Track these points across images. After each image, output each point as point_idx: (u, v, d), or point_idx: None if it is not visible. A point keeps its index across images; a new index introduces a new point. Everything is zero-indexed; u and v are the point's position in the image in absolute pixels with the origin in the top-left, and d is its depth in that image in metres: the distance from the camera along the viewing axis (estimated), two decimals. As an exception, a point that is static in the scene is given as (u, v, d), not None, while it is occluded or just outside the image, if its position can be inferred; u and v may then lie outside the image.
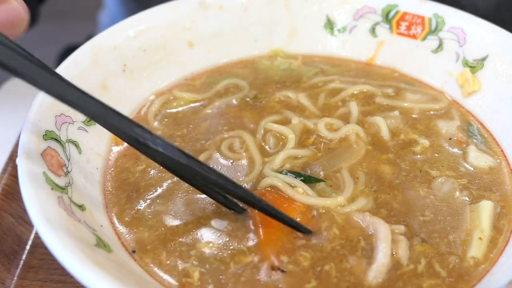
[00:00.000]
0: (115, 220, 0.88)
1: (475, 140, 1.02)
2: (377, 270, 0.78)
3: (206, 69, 1.21)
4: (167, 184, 0.93)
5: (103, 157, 0.98)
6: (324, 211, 0.87)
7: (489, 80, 1.07)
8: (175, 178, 0.93)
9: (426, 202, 0.90)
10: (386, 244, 0.80)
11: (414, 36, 1.18)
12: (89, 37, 1.09)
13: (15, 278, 0.95)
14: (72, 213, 0.79)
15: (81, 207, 0.83)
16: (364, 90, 1.13)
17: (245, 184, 0.92)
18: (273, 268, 0.79)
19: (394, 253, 0.81)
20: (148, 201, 0.91)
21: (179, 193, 0.92)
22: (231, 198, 0.84)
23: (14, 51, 0.68)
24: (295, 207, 0.87)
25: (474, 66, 1.10)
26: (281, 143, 1.00)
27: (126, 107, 1.08)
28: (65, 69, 0.98)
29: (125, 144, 1.00)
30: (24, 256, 0.99)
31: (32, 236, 1.02)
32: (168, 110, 1.10)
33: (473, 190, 0.92)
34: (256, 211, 0.84)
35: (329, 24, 1.24)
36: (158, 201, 0.91)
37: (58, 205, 0.76)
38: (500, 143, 1.02)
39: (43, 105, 0.88)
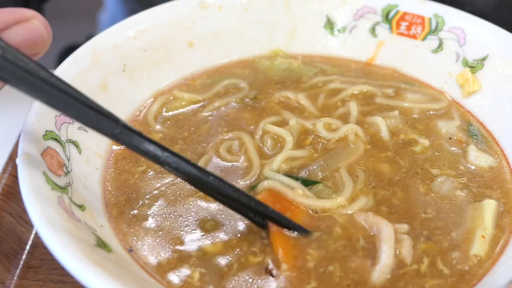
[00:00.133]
0: (115, 220, 0.88)
1: (475, 140, 1.02)
2: (380, 271, 0.78)
3: (206, 69, 1.21)
4: (167, 185, 0.93)
5: (103, 157, 0.98)
6: (325, 212, 0.87)
7: (489, 80, 1.07)
8: (176, 180, 0.94)
9: (427, 199, 0.90)
10: (390, 245, 0.80)
11: (414, 36, 1.18)
12: (89, 37, 1.09)
13: (15, 278, 0.95)
14: (72, 213, 0.79)
15: (81, 207, 0.83)
16: (364, 90, 1.13)
17: (243, 184, 0.92)
18: (266, 271, 0.79)
19: (397, 252, 0.81)
20: (148, 202, 0.91)
21: (179, 194, 0.92)
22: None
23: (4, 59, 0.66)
24: (294, 208, 0.87)
25: (474, 66, 1.10)
26: (279, 144, 1.00)
27: (126, 107, 1.08)
28: (65, 69, 0.98)
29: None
30: (24, 256, 0.99)
31: (32, 236, 1.02)
32: (169, 112, 1.10)
33: (473, 189, 0.92)
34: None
35: (329, 24, 1.24)
36: (158, 201, 0.91)
37: (58, 205, 0.76)
38: (500, 142, 1.02)
39: (43, 105, 0.88)
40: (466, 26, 1.12)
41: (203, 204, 0.89)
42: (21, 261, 0.98)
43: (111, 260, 0.75)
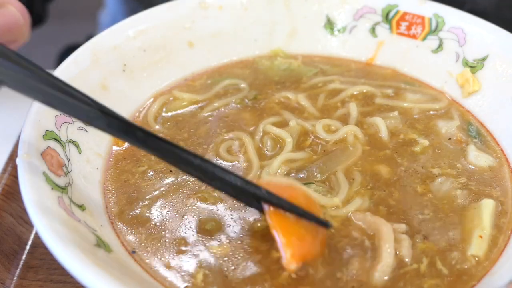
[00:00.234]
0: (115, 220, 0.88)
1: (475, 140, 1.02)
2: (382, 270, 0.78)
3: (206, 69, 1.21)
4: (168, 185, 0.93)
5: (103, 157, 0.98)
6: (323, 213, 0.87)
7: (489, 80, 1.07)
8: (177, 180, 0.94)
9: (425, 199, 0.90)
10: (390, 244, 0.80)
11: (414, 36, 1.18)
12: (89, 37, 1.09)
13: (15, 278, 0.95)
14: (72, 213, 0.79)
15: (81, 207, 0.83)
16: (364, 91, 1.13)
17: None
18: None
19: (397, 252, 0.81)
20: (148, 202, 0.91)
21: (180, 194, 0.92)
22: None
23: None
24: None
25: (474, 66, 1.10)
26: (278, 146, 1.00)
27: (126, 107, 1.08)
28: (65, 69, 0.99)
29: (126, 144, 1.00)
30: (24, 256, 0.99)
31: (32, 236, 1.02)
32: (169, 112, 1.10)
33: (473, 188, 0.92)
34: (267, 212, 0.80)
35: (329, 24, 1.24)
36: (158, 201, 0.91)
37: (58, 205, 0.76)
38: (500, 142, 1.02)
39: (43, 105, 0.88)
40: (466, 26, 1.12)
41: (204, 204, 0.89)
42: (21, 261, 0.98)
43: (111, 260, 0.75)
